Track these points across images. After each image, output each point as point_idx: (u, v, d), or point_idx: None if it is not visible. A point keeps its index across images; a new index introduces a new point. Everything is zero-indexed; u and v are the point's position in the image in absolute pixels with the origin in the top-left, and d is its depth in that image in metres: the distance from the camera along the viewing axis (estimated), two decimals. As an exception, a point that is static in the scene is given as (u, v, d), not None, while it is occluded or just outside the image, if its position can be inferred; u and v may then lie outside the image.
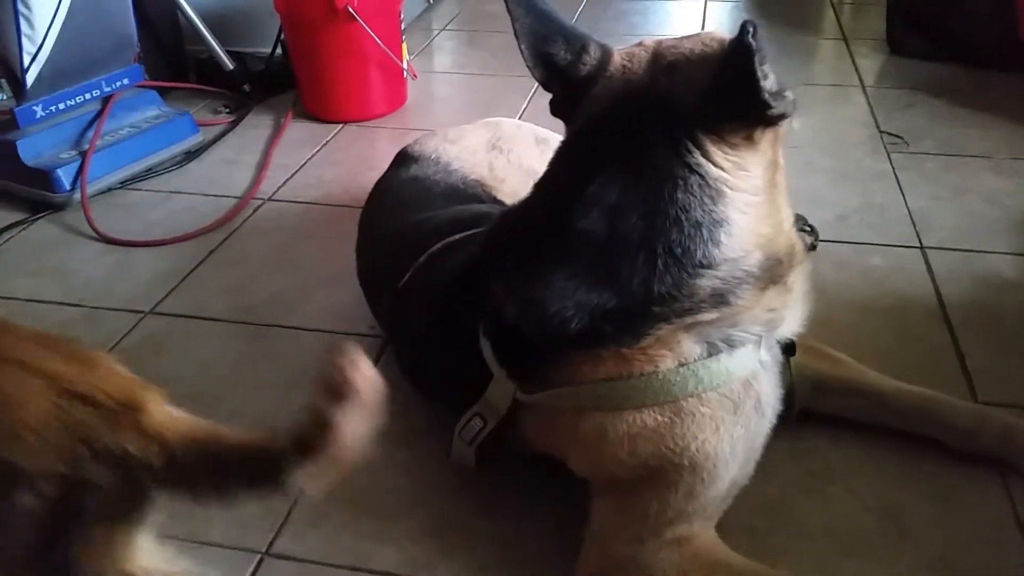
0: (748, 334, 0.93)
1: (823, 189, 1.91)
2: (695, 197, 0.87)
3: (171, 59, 2.66)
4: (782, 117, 0.87)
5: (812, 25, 3.10)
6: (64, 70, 1.96)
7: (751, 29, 0.77)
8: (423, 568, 1.08)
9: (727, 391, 0.93)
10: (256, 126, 2.43)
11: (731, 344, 0.92)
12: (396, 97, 2.52)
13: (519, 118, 2.11)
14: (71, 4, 1.88)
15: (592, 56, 0.95)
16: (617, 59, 0.96)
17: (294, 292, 1.65)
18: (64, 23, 1.89)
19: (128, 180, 2.11)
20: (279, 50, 2.56)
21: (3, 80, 2.12)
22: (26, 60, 1.88)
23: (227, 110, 2.53)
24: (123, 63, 2.15)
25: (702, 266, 0.88)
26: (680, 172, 0.87)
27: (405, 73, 2.48)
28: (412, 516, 1.16)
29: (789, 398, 1.13)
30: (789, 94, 0.88)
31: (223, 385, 1.42)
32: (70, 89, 2.02)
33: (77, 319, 1.62)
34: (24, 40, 1.85)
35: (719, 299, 0.89)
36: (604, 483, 0.99)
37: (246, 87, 2.57)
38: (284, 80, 2.54)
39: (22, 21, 1.84)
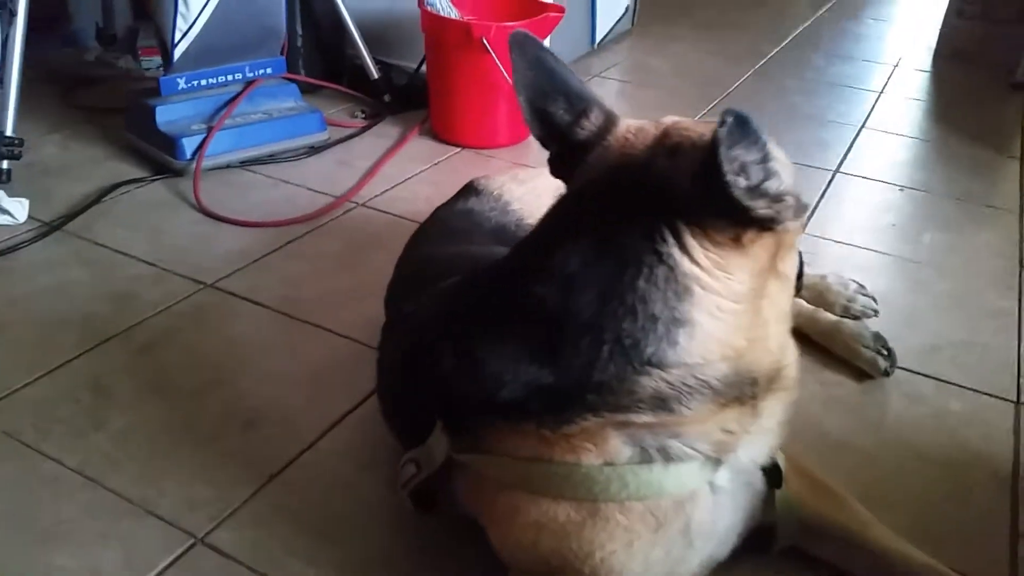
0: (691, 450, 0.83)
1: (926, 313, 1.71)
2: (658, 289, 0.79)
3: (328, 59, 2.82)
4: (772, 221, 0.77)
5: (994, 141, 2.82)
6: (210, 50, 2.12)
7: (727, 120, 0.70)
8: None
9: (653, 506, 0.83)
10: (382, 135, 2.51)
11: (667, 456, 0.83)
12: (521, 130, 2.53)
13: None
14: (223, -13, 2.03)
15: (593, 121, 0.90)
16: (621, 129, 0.90)
17: (343, 296, 1.68)
18: (216, 8, 2.04)
19: (248, 161, 2.24)
20: (424, 68, 2.64)
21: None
22: (177, 36, 2.05)
23: (363, 115, 2.64)
24: (269, 53, 2.29)
25: (650, 364, 0.79)
26: (647, 259, 0.79)
27: (532, 110, 2.48)
28: (347, 545, 1.13)
29: (769, 532, 1.02)
30: (790, 198, 0.78)
31: (241, 365, 1.46)
32: (214, 68, 2.19)
33: (146, 277, 1.72)
34: (179, 17, 2.02)
35: (660, 403, 0.80)
36: (510, 566, 0.92)
37: (386, 97, 2.67)
38: (422, 97, 2.62)
39: (180, 1, 2.00)
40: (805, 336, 1.55)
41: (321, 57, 2.79)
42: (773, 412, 0.88)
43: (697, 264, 0.79)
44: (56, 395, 1.38)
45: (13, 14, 2.00)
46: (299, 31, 2.77)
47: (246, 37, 2.19)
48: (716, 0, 4.31)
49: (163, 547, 1.11)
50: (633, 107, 2.94)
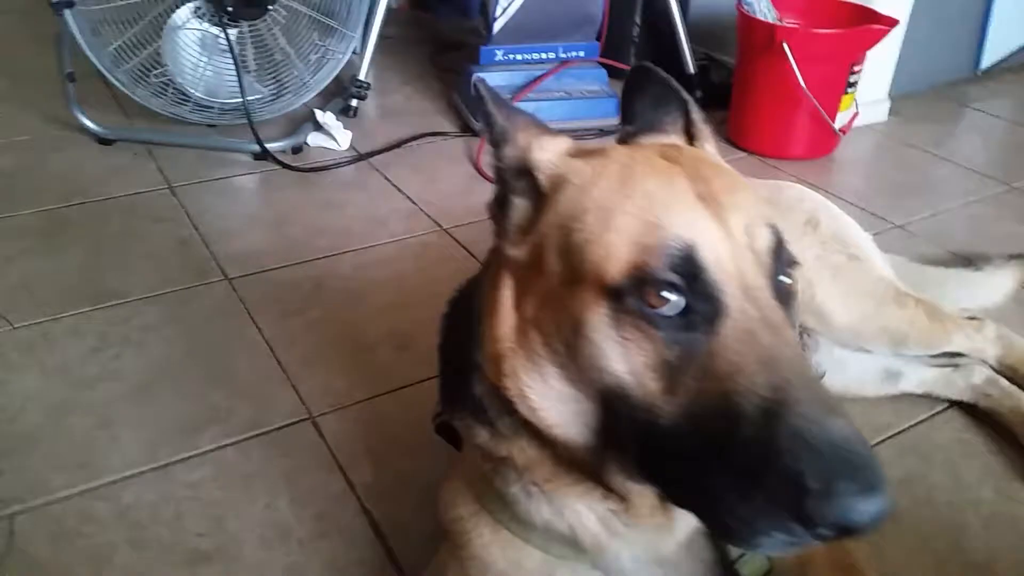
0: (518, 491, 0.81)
1: None
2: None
3: (662, 51, 2.89)
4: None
5: None
6: (525, 29, 2.35)
7: None
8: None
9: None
10: (678, 129, 2.54)
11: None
12: (819, 145, 2.37)
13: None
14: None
15: None
16: None
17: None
18: (533, -11, 2.26)
19: (541, 132, 2.44)
20: (742, 69, 2.59)
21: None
22: (498, 12, 2.31)
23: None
24: (584, 37, 2.46)
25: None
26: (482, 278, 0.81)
27: (836, 126, 2.30)
28: (417, 467, 1.27)
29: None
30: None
31: (431, 299, 1.66)
32: (529, 45, 2.42)
33: (402, 210, 2.04)
34: (500, -5, 2.28)
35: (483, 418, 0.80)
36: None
37: (698, 93, 2.67)
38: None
39: (505, -21, 2.26)
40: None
41: (654, 48, 2.88)
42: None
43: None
44: (291, 281, 1.73)
45: (382, -20, 2.43)
46: (637, 21, 2.90)
47: (562, 20, 2.38)
48: None
49: (285, 412, 1.38)
50: (1008, 153, 2.55)
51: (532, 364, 0.71)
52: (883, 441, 1.34)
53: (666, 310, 0.63)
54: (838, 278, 1.38)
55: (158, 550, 1.14)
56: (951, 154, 2.47)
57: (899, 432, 1.37)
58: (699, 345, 0.62)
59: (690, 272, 0.63)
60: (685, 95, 0.87)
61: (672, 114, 0.86)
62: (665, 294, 0.63)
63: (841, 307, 1.36)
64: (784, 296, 0.68)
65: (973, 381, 1.40)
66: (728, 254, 0.65)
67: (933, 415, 1.41)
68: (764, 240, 0.67)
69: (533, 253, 0.72)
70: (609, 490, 0.75)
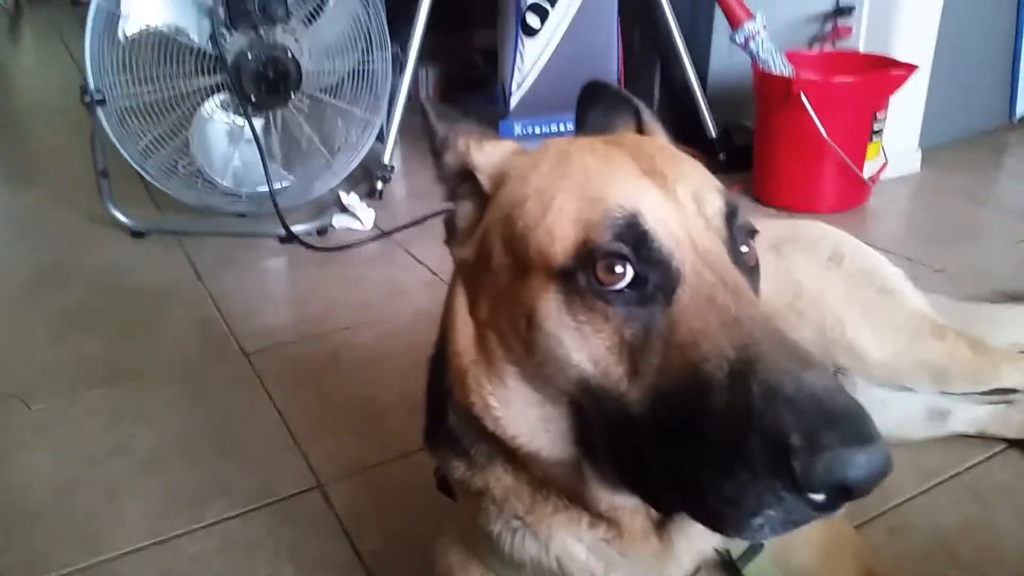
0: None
1: None
2: None
3: (681, 119, 2.90)
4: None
5: None
6: (543, 101, 2.39)
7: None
8: None
9: None
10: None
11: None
12: (849, 196, 2.31)
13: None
14: (555, 50, 2.27)
15: None
16: None
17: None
18: (547, 65, 2.30)
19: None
20: (765, 129, 2.57)
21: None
22: (514, 87, 2.35)
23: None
24: (601, 107, 2.48)
25: None
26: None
27: (863, 175, 2.25)
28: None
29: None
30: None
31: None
32: (547, 117, 2.44)
33: (422, 281, 2.02)
34: (516, 71, 2.32)
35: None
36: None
37: (721, 156, 2.65)
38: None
39: (518, 57, 2.30)
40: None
41: (673, 116, 2.89)
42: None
43: None
44: (308, 354, 1.71)
45: (403, 67, 2.50)
46: (656, 95, 2.93)
47: (576, 89, 2.40)
48: None
49: (293, 481, 1.33)
50: (989, 188, 2.47)
51: (493, 372, 0.67)
52: (935, 487, 1.23)
53: (618, 285, 0.58)
54: (869, 313, 1.30)
55: (155, 627, 1.08)
56: (991, 199, 2.38)
57: (953, 476, 1.25)
58: (658, 318, 0.58)
59: (636, 240, 0.59)
60: (637, 101, 0.85)
61: (624, 118, 0.84)
62: (614, 266, 0.58)
63: (874, 342, 1.27)
64: (746, 266, 0.64)
65: (1030, 417, 1.29)
66: (676, 220, 0.61)
67: (990, 456, 1.29)
68: (714, 205, 0.63)
69: (480, 251, 0.69)
70: (596, 516, 0.68)
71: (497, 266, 0.66)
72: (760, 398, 0.51)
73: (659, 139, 0.81)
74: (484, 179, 0.71)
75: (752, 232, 0.67)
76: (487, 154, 0.71)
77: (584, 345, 0.59)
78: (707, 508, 0.54)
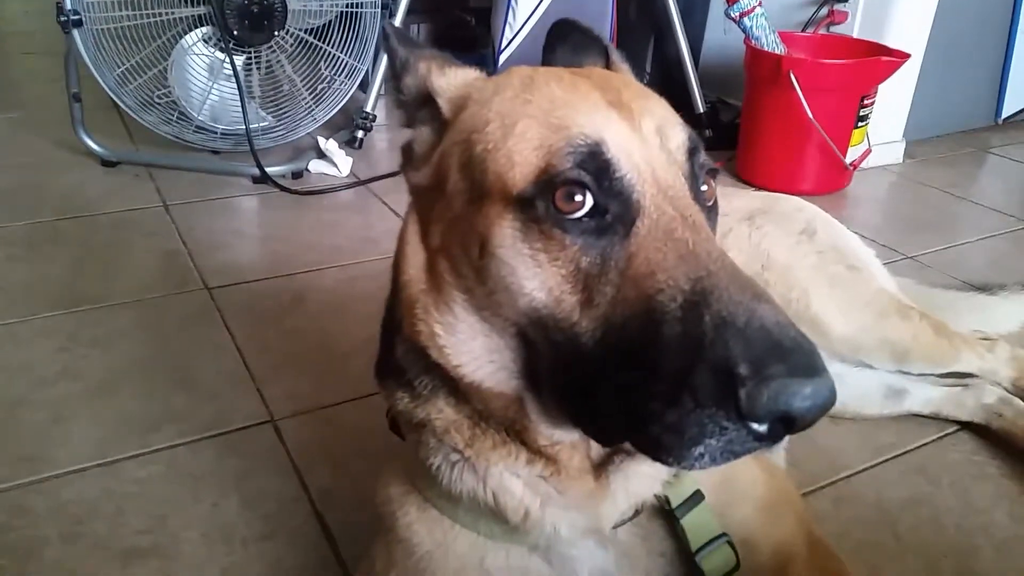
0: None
1: None
2: None
3: (672, 93, 2.87)
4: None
5: None
6: (529, 59, 2.34)
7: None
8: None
9: None
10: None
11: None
12: (830, 180, 2.30)
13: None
14: (546, 10, 2.23)
15: None
16: None
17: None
18: (537, 23, 2.26)
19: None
20: (752, 107, 2.56)
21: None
22: (503, 44, 2.31)
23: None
24: (589, 72, 2.44)
25: None
26: None
27: (845, 159, 2.25)
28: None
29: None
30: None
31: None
32: (534, 78, 2.41)
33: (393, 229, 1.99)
34: (507, 28, 2.28)
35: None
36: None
37: (708, 132, 2.64)
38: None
39: (510, 13, 2.26)
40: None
41: (664, 89, 2.86)
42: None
43: None
44: (271, 293, 1.68)
45: (392, 15, 2.45)
46: (647, 70, 2.90)
47: (565, 52, 2.37)
48: None
49: (246, 414, 1.31)
50: (985, 184, 2.48)
51: (441, 300, 0.65)
52: (886, 461, 1.24)
53: (577, 213, 0.57)
54: (836, 288, 1.30)
55: (92, 545, 1.06)
56: (968, 194, 2.39)
57: (904, 452, 1.26)
58: (615, 249, 0.57)
59: (599, 169, 0.58)
60: (606, 41, 0.84)
61: (593, 57, 0.83)
62: (574, 195, 0.57)
63: (839, 317, 1.27)
64: (704, 203, 0.63)
65: (984, 401, 1.30)
66: (640, 152, 0.60)
67: (942, 436, 1.30)
68: (677, 140, 0.63)
69: (435, 177, 0.67)
70: (534, 452, 0.67)
71: (452, 191, 0.64)
72: (711, 328, 0.51)
73: (626, 76, 0.80)
74: (444, 103, 0.69)
75: (713, 171, 0.66)
76: (448, 78, 0.70)
77: (538, 274, 0.58)
78: (649, 436, 0.53)
